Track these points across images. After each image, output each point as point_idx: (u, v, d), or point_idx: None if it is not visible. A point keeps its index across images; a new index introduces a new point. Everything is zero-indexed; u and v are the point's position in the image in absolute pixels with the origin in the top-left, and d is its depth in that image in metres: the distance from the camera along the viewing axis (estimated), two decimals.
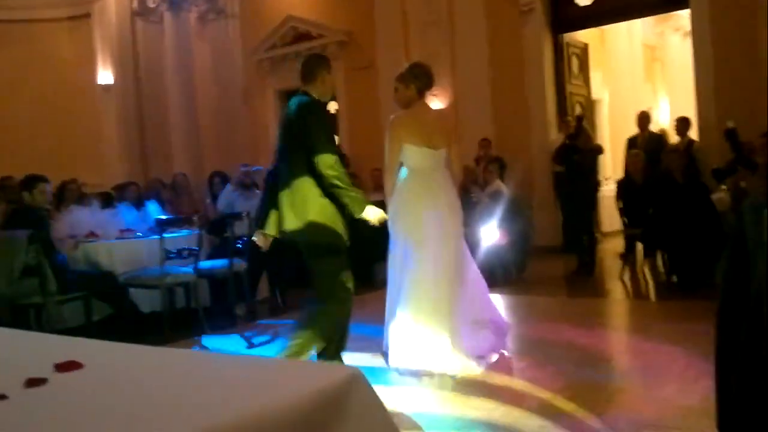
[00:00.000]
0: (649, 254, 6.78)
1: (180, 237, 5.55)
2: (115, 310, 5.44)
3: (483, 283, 4.30)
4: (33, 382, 1.48)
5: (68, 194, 6.59)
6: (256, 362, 2.01)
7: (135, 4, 12.48)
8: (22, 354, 1.83)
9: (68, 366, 1.57)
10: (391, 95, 4.36)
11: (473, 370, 3.76)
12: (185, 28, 12.19)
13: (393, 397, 3.40)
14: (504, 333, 4.27)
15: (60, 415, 1.32)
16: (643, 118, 8.31)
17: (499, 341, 4.17)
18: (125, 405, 1.37)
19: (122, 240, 5.80)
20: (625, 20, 10.22)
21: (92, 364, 1.61)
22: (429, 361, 3.77)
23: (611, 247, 8.21)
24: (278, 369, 1.74)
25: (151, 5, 12.40)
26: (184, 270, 5.35)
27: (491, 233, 6.78)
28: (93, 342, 1.94)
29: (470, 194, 7.54)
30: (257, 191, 6.96)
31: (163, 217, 5.97)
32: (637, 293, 6.35)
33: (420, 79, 4.18)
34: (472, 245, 6.77)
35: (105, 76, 12.39)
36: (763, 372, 2.20)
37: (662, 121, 12.65)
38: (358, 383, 1.51)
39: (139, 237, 5.89)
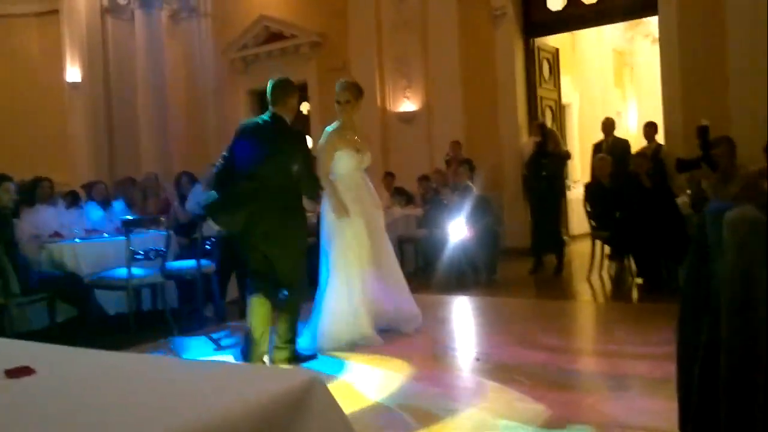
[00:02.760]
0: (616, 256, 6.87)
1: (147, 237, 5.48)
2: (80, 312, 5.35)
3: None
4: None
5: (40, 192, 6.42)
6: (215, 367, 1.99)
7: (105, 2, 12.30)
8: None
9: (19, 372, 1.54)
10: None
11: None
12: (157, 26, 12.04)
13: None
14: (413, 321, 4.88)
15: (7, 423, 1.29)
16: (608, 125, 8.42)
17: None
18: (76, 412, 1.35)
19: (88, 240, 5.70)
20: (595, 26, 10.35)
21: (44, 370, 1.58)
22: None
23: (579, 249, 8.30)
24: (237, 373, 1.72)
25: (122, 2, 12.23)
26: (151, 271, 5.28)
27: (458, 229, 6.82)
28: (47, 347, 1.89)
29: (440, 195, 7.57)
30: None
31: (130, 217, 5.89)
32: (603, 295, 6.43)
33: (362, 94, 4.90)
34: (441, 242, 6.87)
35: (73, 73, 12.17)
36: (721, 373, 2.25)
37: (631, 126, 12.83)
38: (317, 387, 1.52)
39: (105, 238, 5.80)
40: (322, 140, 4.76)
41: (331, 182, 4.65)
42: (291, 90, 4.32)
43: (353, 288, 4.56)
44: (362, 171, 4.82)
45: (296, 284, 4.18)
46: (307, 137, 4.80)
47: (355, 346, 4.46)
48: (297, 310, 4.25)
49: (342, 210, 4.59)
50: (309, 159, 4.36)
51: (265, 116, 4.27)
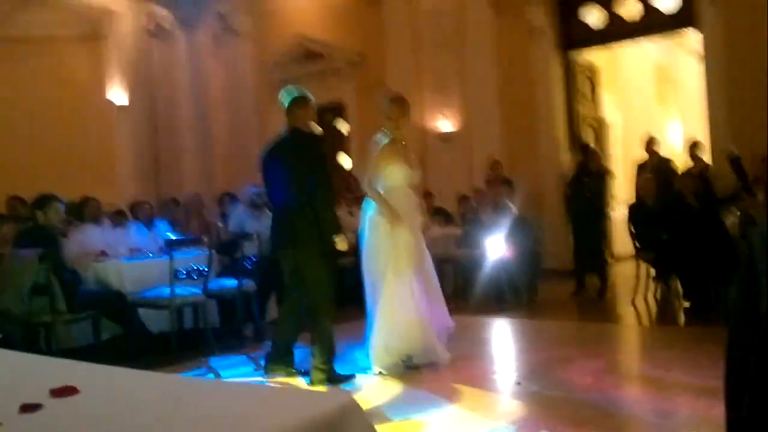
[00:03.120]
0: (661, 278, 6.69)
1: (190, 257, 5.56)
2: (124, 330, 5.44)
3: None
4: (27, 408, 1.46)
5: (87, 212, 6.59)
6: (252, 389, 1.99)
7: (150, 25, 12.66)
8: (19, 378, 1.81)
9: (64, 391, 1.56)
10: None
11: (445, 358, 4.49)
12: (198, 47, 12.33)
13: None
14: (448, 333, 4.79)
15: None
16: (652, 143, 8.27)
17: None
18: None
19: (132, 260, 5.82)
20: (634, 41, 10.21)
21: (88, 389, 1.60)
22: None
23: (623, 270, 8.12)
24: (273, 396, 1.72)
25: (166, 26, 12.57)
26: (193, 290, 5.35)
27: (497, 247, 6.73)
28: (91, 366, 1.92)
29: (480, 215, 7.51)
30: (268, 212, 6.97)
31: (173, 236, 5.99)
32: (649, 319, 6.26)
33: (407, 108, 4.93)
34: (481, 262, 6.80)
35: (119, 95, 12.53)
36: None
37: (675, 144, 12.58)
38: (353, 410, 1.50)
39: (149, 257, 5.90)
40: (375, 152, 4.65)
41: (379, 193, 4.54)
42: (295, 99, 4.32)
43: (404, 300, 4.43)
44: (410, 187, 4.71)
45: (319, 310, 4.21)
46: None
47: (411, 362, 4.42)
48: (326, 333, 4.21)
49: (395, 217, 4.44)
50: (320, 167, 4.26)
51: (282, 132, 4.41)
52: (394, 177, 4.57)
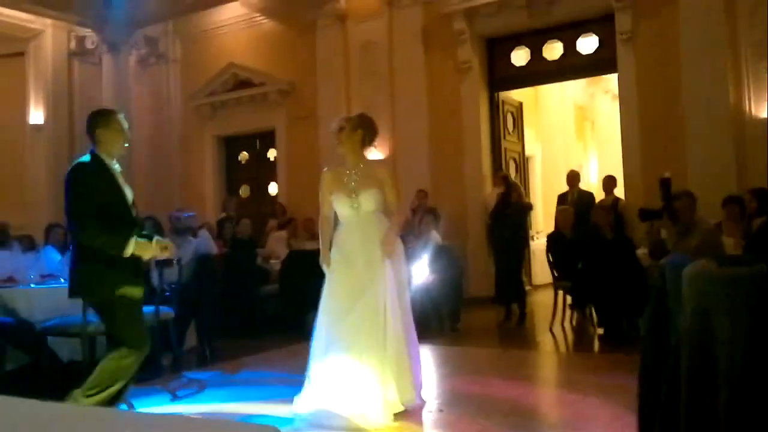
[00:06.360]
0: (577, 306, 6.93)
1: None
2: (32, 360, 5.15)
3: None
4: None
5: None
6: (167, 420, 1.93)
7: (73, 45, 12.29)
8: None
9: None
10: (332, 144, 4.38)
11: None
12: (124, 70, 12.05)
13: None
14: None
15: None
16: (573, 177, 8.62)
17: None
18: None
19: (43, 286, 5.54)
20: (557, 81, 10.68)
21: None
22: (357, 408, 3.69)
23: (542, 299, 8.36)
24: (193, 428, 1.66)
25: (90, 46, 12.23)
26: None
27: (421, 273, 6.80)
28: None
29: (406, 244, 7.57)
30: (191, 238, 6.82)
31: None
32: (566, 345, 6.46)
33: (368, 127, 4.25)
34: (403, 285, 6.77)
35: (36, 115, 12.05)
36: (682, 424, 2.26)
37: (591, 178, 13.13)
38: None
39: (62, 283, 5.63)
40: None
41: (321, 227, 4.18)
42: (98, 120, 3.69)
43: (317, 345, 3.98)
44: (364, 216, 4.07)
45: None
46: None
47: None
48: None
49: (323, 256, 4.07)
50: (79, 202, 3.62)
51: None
52: (338, 208, 4.12)
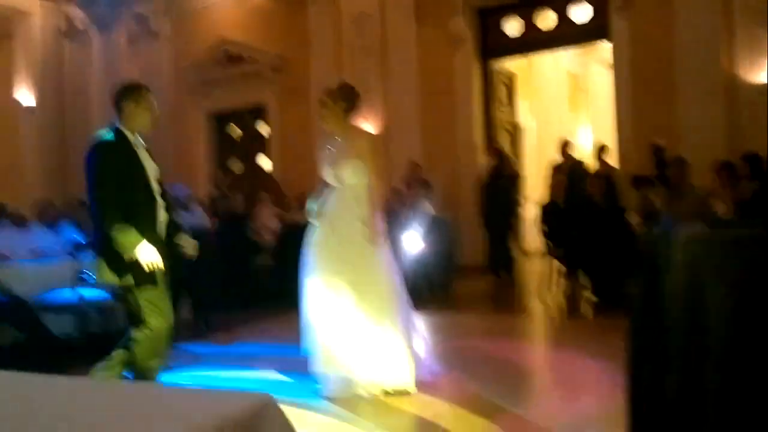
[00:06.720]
0: (570, 274, 6.95)
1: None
2: (27, 336, 5.16)
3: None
4: None
5: None
6: (162, 390, 1.93)
7: (62, 25, 12.16)
8: None
9: None
10: None
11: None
12: (113, 49, 11.94)
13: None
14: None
15: None
16: (566, 147, 8.59)
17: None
18: None
19: (34, 262, 5.54)
20: (550, 51, 10.59)
21: None
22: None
23: (535, 266, 8.39)
24: (188, 397, 1.65)
25: (80, 26, 12.10)
26: (100, 293, 5.15)
27: (414, 243, 6.81)
28: None
29: (398, 215, 7.58)
30: (181, 211, 6.81)
31: (79, 239, 5.75)
32: (558, 312, 6.48)
33: (348, 98, 4.20)
34: (399, 260, 6.76)
35: (26, 96, 11.96)
36: (670, 385, 2.27)
37: (585, 148, 13.09)
38: (270, 409, 1.48)
39: (53, 259, 5.64)
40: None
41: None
42: (127, 95, 3.54)
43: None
44: (345, 188, 4.03)
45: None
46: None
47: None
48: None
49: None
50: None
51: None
52: (327, 179, 4.12)
